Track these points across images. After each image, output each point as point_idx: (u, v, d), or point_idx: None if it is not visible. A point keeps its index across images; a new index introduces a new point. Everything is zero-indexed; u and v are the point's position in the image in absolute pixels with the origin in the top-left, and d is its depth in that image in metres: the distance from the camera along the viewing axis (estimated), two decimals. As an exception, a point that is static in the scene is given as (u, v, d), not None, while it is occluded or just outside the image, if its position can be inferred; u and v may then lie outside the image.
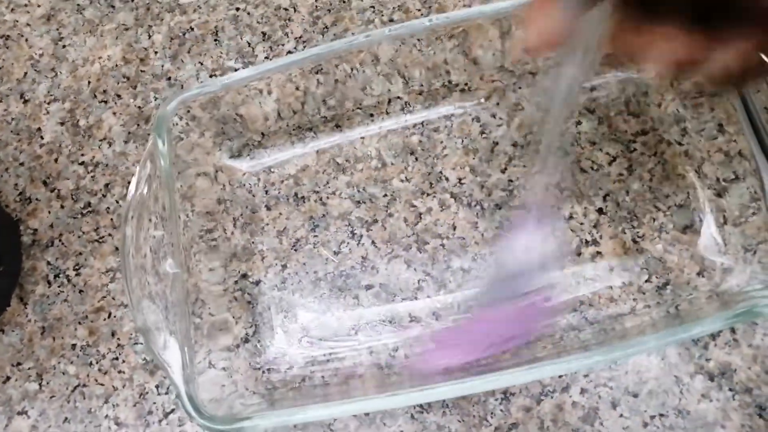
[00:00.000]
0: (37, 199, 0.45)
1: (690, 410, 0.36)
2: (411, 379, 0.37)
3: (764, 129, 0.39)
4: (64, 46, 0.49)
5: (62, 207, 0.44)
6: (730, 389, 0.36)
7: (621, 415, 0.36)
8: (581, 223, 0.40)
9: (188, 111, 0.41)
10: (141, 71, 0.47)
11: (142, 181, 0.38)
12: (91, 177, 0.45)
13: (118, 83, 0.47)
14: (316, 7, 0.47)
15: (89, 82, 0.48)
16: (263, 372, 0.39)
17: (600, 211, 0.40)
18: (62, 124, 0.47)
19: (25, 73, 0.48)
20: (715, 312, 0.33)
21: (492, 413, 0.37)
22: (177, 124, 0.40)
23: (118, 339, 0.41)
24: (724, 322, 0.31)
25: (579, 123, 0.42)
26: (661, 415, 0.36)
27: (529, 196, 0.37)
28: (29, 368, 0.41)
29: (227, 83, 0.40)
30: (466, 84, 0.43)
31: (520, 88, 0.43)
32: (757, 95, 0.40)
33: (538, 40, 0.27)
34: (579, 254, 0.39)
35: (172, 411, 0.39)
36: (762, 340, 0.37)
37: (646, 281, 0.38)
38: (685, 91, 0.41)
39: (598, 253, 0.39)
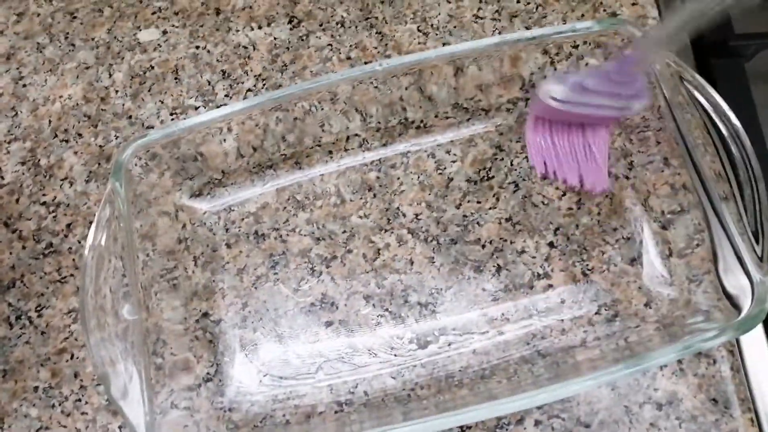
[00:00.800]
0: (-2, 240, 0.45)
1: (638, 439, 0.37)
2: (369, 416, 0.38)
3: (699, 162, 0.40)
4: (24, 85, 0.49)
5: (24, 248, 0.45)
6: (677, 418, 0.38)
7: (572, 446, 0.38)
8: (533, 257, 0.41)
9: (148, 151, 0.41)
10: (102, 110, 0.48)
11: (101, 224, 0.38)
12: (53, 217, 0.45)
13: (79, 122, 0.48)
14: (275, 45, 0.48)
15: (50, 121, 0.48)
16: (225, 411, 0.40)
17: (551, 244, 0.41)
18: (23, 163, 0.47)
19: (-14, 113, 0.48)
20: (663, 343, 0.34)
21: (449, 446, 0.38)
22: (137, 164, 0.41)
23: (81, 380, 0.41)
24: (669, 356, 0.32)
25: (528, 158, 0.43)
26: (611, 444, 0.37)
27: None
28: (-9, 411, 0.41)
29: (184, 127, 0.40)
30: (421, 121, 0.45)
31: (473, 124, 0.44)
32: (693, 131, 0.41)
33: None
34: (531, 287, 0.41)
35: (135, 452, 0.39)
36: (707, 369, 0.39)
37: (595, 313, 0.40)
38: (631, 126, 0.43)
39: (550, 285, 0.41)
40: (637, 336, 0.39)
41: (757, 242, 0.35)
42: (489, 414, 0.34)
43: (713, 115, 0.37)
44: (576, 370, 0.38)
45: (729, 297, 0.35)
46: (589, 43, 0.42)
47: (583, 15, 0.47)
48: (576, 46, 0.42)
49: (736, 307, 0.34)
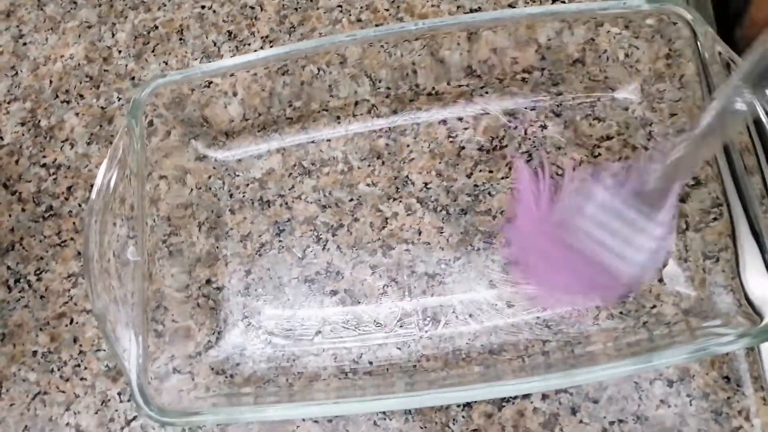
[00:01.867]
0: (-3, 201, 0.44)
1: (648, 416, 0.36)
2: (373, 384, 0.37)
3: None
4: (24, 44, 0.48)
5: (23, 210, 0.44)
6: (688, 395, 0.37)
7: (581, 421, 0.37)
8: (546, 229, 0.40)
9: (155, 109, 0.40)
10: (104, 70, 0.47)
11: (113, 162, 0.37)
12: (53, 179, 0.44)
13: (81, 83, 0.46)
14: (283, 5, 0.47)
15: (51, 82, 0.47)
16: (227, 377, 0.39)
17: (564, 216, 0.40)
18: (23, 124, 0.46)
19: (-15, 72, 0.47)
20: (677, 333, 0.33)
21: (454, 420, 0.37)
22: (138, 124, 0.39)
23: (81, 345, 0.41)
24: (682, 357, 0.32)
25: (544, 127, 0.42)
26: (620, 420, 0.37)
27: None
28: (-10, 375, 0.41)
29: (207, 70, 0.39)
30: (433, 88, 0.43)
31: (486, 92, 0.43)
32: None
33: None
34: (543, 260, 0.39)
35: (135, 418, 0.39)
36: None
37: (608, 287, 0.38)
38: (652, 94, 0.41)
39: (562, 258, 0.39)
40: (651, 317, 0.38)
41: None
42: (496, 394, 0.33)
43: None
44: (588, 357, 0.37)
45: (750, 302, 0.34)
46: (630, 28, 0.40)
47: (603, -21, 0.45)
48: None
49: (758, 312, 0.32)
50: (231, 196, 0.43)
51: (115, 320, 0.35)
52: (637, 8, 0.37)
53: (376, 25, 0.46)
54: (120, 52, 0.47)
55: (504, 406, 0.37)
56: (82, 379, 0.40)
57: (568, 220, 0.34)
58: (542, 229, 0.37)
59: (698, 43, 0.36)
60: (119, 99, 0.46)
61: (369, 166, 0.42)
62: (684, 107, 0.40)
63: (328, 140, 0.43)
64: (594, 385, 0.37)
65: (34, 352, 0.41)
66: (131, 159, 0.38)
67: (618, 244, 0.33)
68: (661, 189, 0.33)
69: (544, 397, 0.37)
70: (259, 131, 0.44)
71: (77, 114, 0.46)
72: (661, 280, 0.38)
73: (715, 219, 0.39)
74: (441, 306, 0.39)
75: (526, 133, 0.42)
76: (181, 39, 0.47)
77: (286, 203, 0.42)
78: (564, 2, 0.45)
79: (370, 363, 0.38)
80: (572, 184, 0.37)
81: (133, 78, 0.46)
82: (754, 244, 0.37)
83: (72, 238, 0.43)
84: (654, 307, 0.38)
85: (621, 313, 0.38)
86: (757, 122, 0.34)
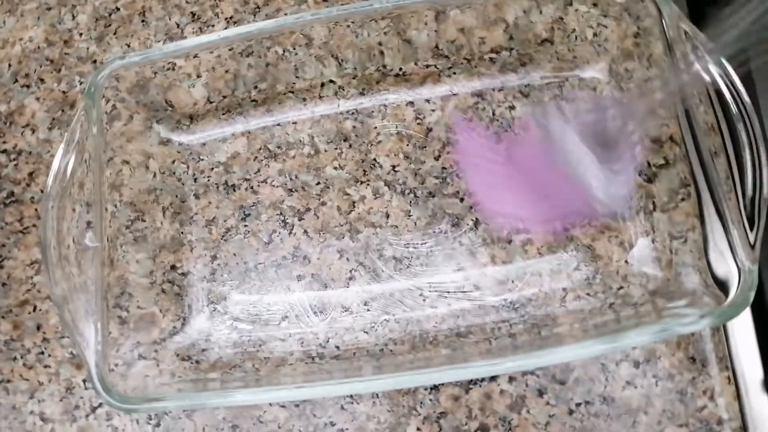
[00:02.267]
0: (-44, 188, 0.43)
1: (615, 397, 0.37)
2: (340, 368, 0.37)
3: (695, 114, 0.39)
4: (-18, 26, 0.47)
5: (-17, 197, 0.43)
6: (654, 376, 0.37)
7: (547, 403, 0.37)
8: (513, 211, 0.40)
9: (117, 93, 0.40)
10: (65, 54, 0.45)
11: (70, 147, 0.36)
12: (14, 165, 0.43)
13: (41, 66, 0.45)
14: (248, -15, 0.46)
15: (10, 65, 0.45)
16: (192, 363, 0.39)
17: (532, 198, 0.40)
18: (-18, 109, 0.45)
19: (-58, 55, 0.46)
20: (642, 315, 0.33)
21: (421, 403, 0.37)
22: (103, 109, 0.39)
23: (44, 333, 0.40)
24: (645, 338, 0.32)
25: (512, 107, 0.41)
26: (587, 402, 0.37)
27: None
28: (-48, 364, 0.40)
29: (167, 51, 0.38)
30: (400, 69, 0.42)
31: (455, 73, 0.42)
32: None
33: None
34: (509, 242, 0.39)
35: (100, 405, 0.39)
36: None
37: (575, 269, 0.38)
38: (620, 74, 0.41)
39: (529, 240, 0.39)
40: (618, 298, 0.38)
41: (752, 228, 0.33)
42: (462, 376, 0.33)
43: (715, 75, 0.35)
44: (555, 339, 0.37)
45: (717, 281, 0.34)
46: (598, 6, 0.39)
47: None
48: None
49: (725, 291, 0.32)
50: (195, 180, 0.42)
51: (74, 308, 0.35)
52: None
53: (342, 5, 0.45)
54: (81, 34, 0.46)
55: (471, 389, 0.37)
56: (46, 366, 0.39)
57: (522, 145, 0.34)
58: (491, 153, 0.36)
59: (663, 22, 0.36)
60: (81, 83, 0.45)
61: (336, 149, 0.42)
62: (652, 87, 0.40)
63: (294, 123, 0.42)
64: (561, 366, 0.37)
65: (-3, 341, 0.40)
66: (89, 144, 0.37)
67: (573, 170, 0.33)
68: (619, 132, 0.32)
69: (511, 379, 0.37)
70: (223, 114, 0.43)
71: (38, 98, 0.45)
72: (627, 262, 0.38)
73: (682, 199, 0.39)
74: (409, 289, 0.39)
75: (494, 114, 0.41)
76: (143, 21, 0.46)
77: (252, 187, 0.41)
78: (533, -20, 0.44)
79: (337, 347, 0.38)
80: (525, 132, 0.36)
81: (95, 61, 0.45)
82: (720, 225, 0.36)
83: (34, 225, 0.42)
84: (621, 288, 0.38)
85: (588, 294, 0.38)
86: (720, 97, 0.34)
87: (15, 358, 0.40)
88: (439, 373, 0.33)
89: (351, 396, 0.38)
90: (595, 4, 0.40)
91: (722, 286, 0.34)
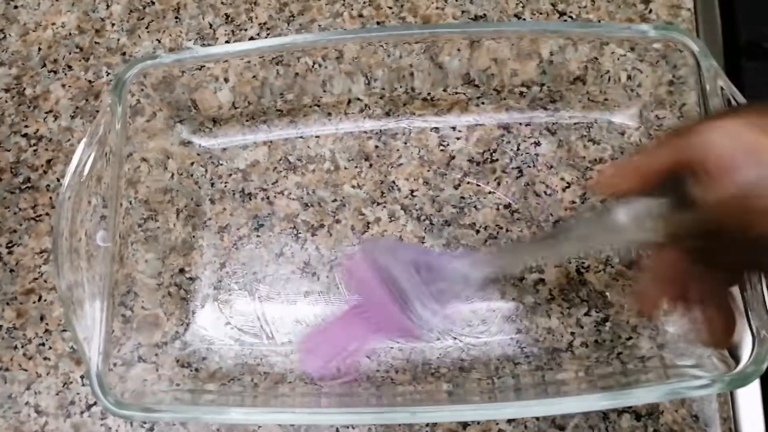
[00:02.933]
0: (-27, 168, 0.43)
1: (613, 449, 0.36)
2: (339, 392, 0.37)
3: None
4: (16, 7, 0.46)
5: (0, 180, 0.43)
6: (655, 430, 0.36)
7: (544, 448, 0.36)
8: (528, 249, 0.39)
9: (142, 89, 0.39)
10: (95, 43, 0.45)
11: (92, 140, 0.36)
12: (33, 151, 0.43)
13: (70, 53, 0.45)
14: (284, -7, 0.45)
15: (39, 49, 0.45)
16: (192, 370, 0.38)
17: (549, 237, 0.39)
18: (7, 90, 0.44)
19: (-28, 32, 0.46)
20: (650, 369, 0.33)
21: (417, 434, 0.37)
22: (128, 103, 0.38)
23: (47, 324, 0.40)
24: (652, 396, 0.31)
25: (538, 144, 0.41)
26: (584, 451, 0.36)
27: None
28: (-48, 345, 0.40)
29: (198, 56, 0.38)
30: (428, 93, 0.42)
31: (483, 103, 0.42)
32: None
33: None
34: (522, 279, 0.39)
35: (95, 403, 0.38)
36: (692, 385, 0.37)
37: (585, 314, 0.38)
38: (651, 121, 0.41)
39: (542, 280, 0.39)
40: (626, 349, 0.37)
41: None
42: (462, 417, 0.33)
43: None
44: (558, 385, 0.36)
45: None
46: (635, 50, 0.39)
47: (613, -2, 0.44)
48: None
49: (734, 357, 0.32)
50: (212, 185, 0.42)
51: (79, 302, 0.34)
52: (643, 34, 0.36)
53: (378, 23, 0.44)
54: (113, 25, 0.46)
55: (469, 425, 0.37)
56: (45, 358, 0.39)
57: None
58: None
59: (701, 76, 0.35)
60: (108, 74, 0.44)
61: (356, 167, 0.41)
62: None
63: (317, 137, 0.42)
64: (561, 412, 0.37)
65: (-1, 327, 0.40)
66: (111, 138, 0.37)
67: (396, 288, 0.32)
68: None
69: (510, 420, 0.37)
70: (247, 121, 0.43)
71: (64, 85, 0.44)
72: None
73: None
74: (415, 318, 0.38)
75: (518, 149, 0.41)
76: (176, 18, 0.45)
77: (268, 198, 0.41)
78: (571, 18, 0.44)
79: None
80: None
81: (124, 53, 0.45)
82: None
83: (47, 213, 0.42)
84: (630, 338, 0.37)
85: (596, 341, 0.37)
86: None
87: (15, 347, 0.39)
88: (438, 413, 0.33)
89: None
90: (632, 48, 0.40)
91: (732, 350, 0.34)
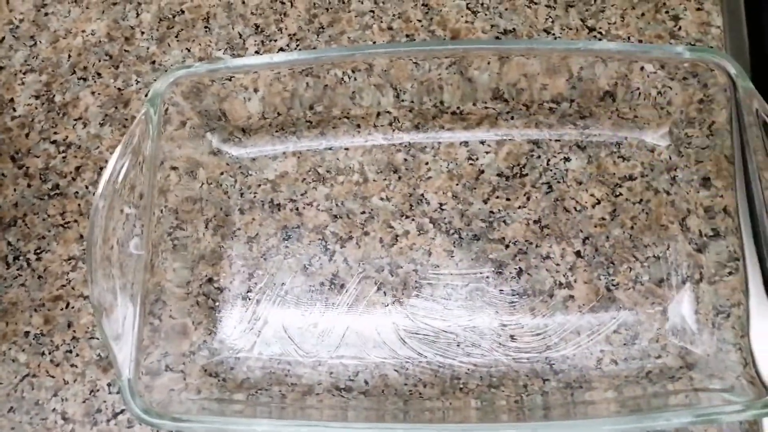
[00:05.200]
0: (3, 174, 0.43)
1: (642, 468, 0.36)
2: (368, 406, 0.37)
3: (759, 189, 0.38)
4: (46, 14, 0.47)
5: (29, 186, 0.43)
6: (684, 451, 0.36)
7: (573, 466, 0.36)
8: (557, 264, 0.39)
9: (172, 97, 0.39)
10: (125, 51, 0.45)
11: (126, 150, 0.36)
12: (62, 158, 0.43)
13: (100, 60, 0.45)
14: (314, 4, 0.46)
15: (69, 56, 0.46)
16: (219, 380, 0.38)
17: (578, 254, 0.39)
18: (37, 97, 0.45)
19: (3, 38, 0.46)
20: (680, 387, 0.32)
21: (445, 449, 0.37)
22: (156, 113, 0.39)
23: (74, 331, 0.40)
24: (683, 420, 0.31)
25: (568, 159, 0.41)
26: (613, 469, 0.36)
27: None
28: (-21, 350, 0.40)
29: (232, 66, 0.38)
30: (458, 108, 0.42)
31: (512, 118, 0.42)
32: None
33: None
34: (551, 295, 0.39)
35: (122, 411, 0.38)
36: (722, 405, 0.37)
37: (614, 332, 0.38)
38: (681, 139, 0.41)
39: (571, 296, 0.39)
40: (656, 367, 0.37)
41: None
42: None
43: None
44: (586, 405, 0.36)
45: (756, 369, 0.33)
46: (665, 68, 0.39)
47: (643, 14, 0.44)
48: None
49: (762, 380, 0.32)
50: (242, 195, 0.42)
51: (111, 309, 0.35)
52: (679, 56, 0.36)
53: (407, 35, 0.45)
54: (143, 33, 0.46)
55: (496, 441, 0.37)
56: (72, 365, 0.39)
57: None
58: None
59: (737, 98, 0.35)
60: (137, 82, 0.45)
61: (385, 180, 0.41)
62: (711, 156, 0.40)
63: (346, 149, 0.42)
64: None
65: (27, 333, 0.40)
66: (146, 147, 0.37)
67: None
68: None
69: (538, 436, 0.37)
70: (276, 131, 0.43)
71: (93, 93, 0.45)
72: (668, 330, 0.37)
73: (730, 273, 0.38)
74: (444, 332, 0.38)
75: (548, 164, 0.41)
76: (206, 27, 0.46)
77: (297, 209, 0.41)
78: (600, 33, 0.44)
79: (366, 383, 0.38)
80: None
81: (153, 62, 0.45)
82: (766, 305, 0.36)
83: (75, 221, 0.42)
84: (659, 357, 0.37)
85: (625, 359, 0.37)
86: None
87: (43, 353, 0.39)
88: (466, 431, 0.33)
89: (375, 434, 0.37)
90: (662, 66, 0.40)
91: (761, 373, 0.34)
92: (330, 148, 0.42)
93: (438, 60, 0.40)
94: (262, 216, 0.41)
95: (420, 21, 0.45)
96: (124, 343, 0.34)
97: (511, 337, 0.38)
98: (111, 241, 0.36)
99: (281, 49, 0.45)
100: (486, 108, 0.42)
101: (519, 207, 0.40)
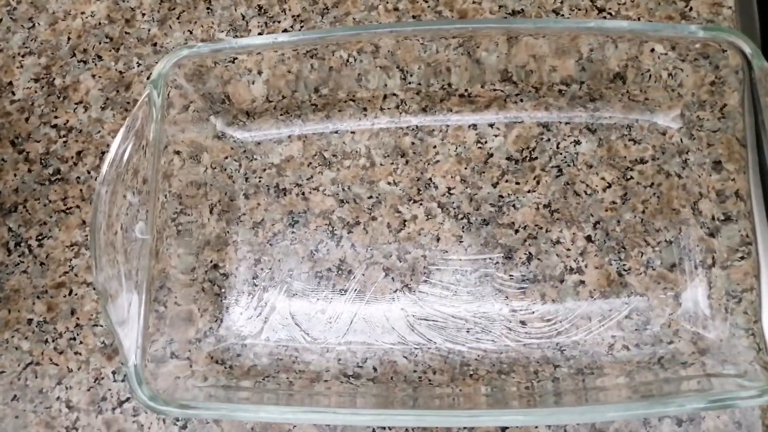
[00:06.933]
0: (3, 159, 0.42)
1: (654, 454, 0.36)
2: (377, 393, 0.36)
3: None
4: (45, -5, 0.46)
5: (30, 171, 0.42)
6: (696, 436, 0.36)
7: (584, 452, 0.36)
8: (568, 249, 0.39)
9: (174, 80, 0.39)
10: (126, 33, 0.45)
11: (129, 132, 0.35)
12: (63, 142, 0.43)
13: (100, 43, 0.44)
14: (318, -15, 0.45)
15: (69, 38, 0.45)
16: (226, 367, 0.38)
17: (588, 238, 0.39)
18: (36, 80, 0.44)
19: (0, 20, 0.45)
20: (692, 372, 0.32)
21: (455, 436, 0.36)
22: (159, 95, 0.38)
23: (78, 318, 0.39)
24: (698, 405, 0.31)
25: (578, 143, 0.40)
26: (625, 455, 0.36)
27: None
28: (-19, 338, 0.39)
29: (237, 46, 0.37)
30: (466, 90, 0.41)
31: (521, 100, 0.41)
32: None
33: None
34: (561, 281, 0.38)
35: (128, 400, 0.38)
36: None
37: (626, 317, 0.37)
38: (693, 121, 0.40)
39: (582, 282, 0.38)
40: (668, 353, 0.37)
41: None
42: (502, 422, 0.32)
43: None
44: (598, 391, 0.36)
45: None
46: (676, 49, 0.38)
47: (654, -6, 0.43)
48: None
49: None
50: (247, 179, 0.41)
51: (116, 296, 0.34)
52: (692, 34, 0.36)
53: (413, 16, 0.44)
54: (144, 15, 0.45)
55: (507, 428, 0.36)
56: (76, 353, 0.39)
57: None
58: None
59: (751, 78, 0.35)
60: (139, 65, 0.44)
61: (392, 163, 0.41)
62: (723, 139, 0.39)
63: (353, 132, 0.42)
64: (601, 415, 0.36)
65: (30, 320, 0.39)
66: (149, 131, 0.36)
67: None
68: None
69: (549, 426, 0.36)
70: (281, 115, 0.42)
71: (94, 76, 0.44)
72: (680, 315, 0.37)
73: (742, 258, 0.37)
74: (453, 318, 0.38)
75: (558, 147, 0.40)
76: (208, 8, 0.45)
77: (303, 193, 0.41)
78: (610, 14, 0.43)
79: (375, 369, 0.37)
80: None
81: (155, 44, 0.44)
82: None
83: (78, 206, 0.41)
84: (671, 342, 0.37)
85: (636, 345, 0.37)
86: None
87: (46, 341, 0.39)
88: (477, 417, 0.32)
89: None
90: (673, 47, 0.39)
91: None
92: (336, 132, 0.42)
93: (445, 41, 0.40)
94: (268, 201, 0.41)
95: (426, 1, 0.44)
96: (130, 329, 0.33)
97: (522, 322, 0.38)
98: (115, 227, 0.35)
99: (285, 31, 0.44)
100: (495, 90, 0.41)
101: (528, 191, 0.40)
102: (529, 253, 0.39)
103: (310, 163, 0.41)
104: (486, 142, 0.41)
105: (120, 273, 0.34)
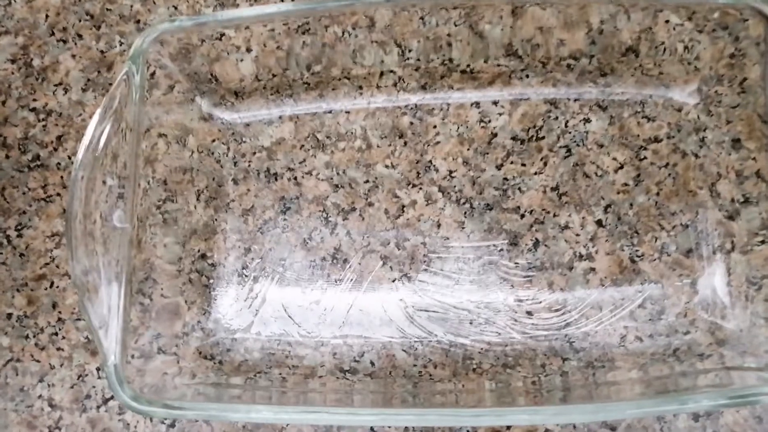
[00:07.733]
0: (-21, 145, 0.40)
1: (669, 451, 0.34)
2: (374, 389, 0.34)
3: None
4: (21, -29, 0.43)
5: (7, 157, 0.40)
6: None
7: (595, 450, 0.34)
8: (577, 235, 0.36)
9: (159, 59, 0.36)
10: (107, 10, 0.42)
11: (107, 114, 0.33)
12: (43, 126, 0.40)
13: (80, 21, 0.42)
14: (310, -45, 0.42)
15: (47, 16, 0.42)
16: (215, 363, 0.36)
17: (599, 223, 0.37)
18: (13, 61, 0.41)
19: (-25, -2, 0.43)
20: (710, 365, 0.30)
21: (458, 434, 0.35)
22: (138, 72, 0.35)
23: (60, 312, 0.37)
24: (716, 403, 0.29)
25: (588, 121, 0.38)
26: (638, 453, 0.34)
27: None
28: (-40, 334, 0.38)
29: (221, 19, 0.35)
30: (468, 65, 0.39)
31: (527, 76, 0.38)
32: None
33: None
34: (570, 268, 0.36)
35: (112, 397, 0.36)
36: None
37: (639, 306, 0.35)
38: (711, 97, 0.37)
39: (592, 269, 0.36)
40: (683, 344, 0.35)
41: None
42: (506, 421, 0.30)
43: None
44: (609, 386, 0.34)
45: None
46: (693, 20, 0.35)
47: (669, -39, 0.40)
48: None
49: None
50: (235, 164, 0.39)
51: (95, 288, 0.32)
52: (712, 1, 0.33)
53: (412, -12, 0.41)
54: (126, -10, 0.42)
55: (512, 427, 0.34)
56: (58, 349, 0.37)
57: None
58: None
59: (775, 47, 0.32)
60: (121, 44, 0.41)
61: (390, 145, 0.38)
62: (743, 115, 0.36)
63: (347, 112, 0.39)
64: (613, 411, 0.34)
65: (9, 315, 0.37)
66: (128, 112, 0.34)
67: None
68: None
69: (558, 419, 0.34)
70: (271, 94, 0.40)
71: (74, 56, 0.41)
72: (697, 304, 0.35)
73: (763, 242, 0.35)
74: (455, 308, 0.36)
75: (566, 126, 0.38)
76: (194, -18, 0.42)
77: (295, 178, 0.38)
78: (623, -18, 0.40)
79: (372, 364, 0.35)
80: None
81: (138, 21, 0.42)
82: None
83: (59, 194, 0.39)
84: (687, 333, 0.35)
85: (650, 336, 0.35)
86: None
87: (27, 336, 0.37)
88: (480, 417, 0.30)
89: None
90: (689, 18, 0.36)
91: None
92: (330, 112, 0.39)
93: (446, 13, 0.37)
94: (258, 186, 0.38)
95: (425, -28, 0.41)
96: (110, 325, 0.31)
97: (528, 313, 0.36)
98: (93, 215, 0.33)
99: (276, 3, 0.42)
100: (498, 66, 0.39)
101: (535, 173, 0.37)
102: (536, 239, 0.36)
103: (303, 145, 0.39)
104: (489, 121, 0.38)
105: (99, 264, 0.32)
